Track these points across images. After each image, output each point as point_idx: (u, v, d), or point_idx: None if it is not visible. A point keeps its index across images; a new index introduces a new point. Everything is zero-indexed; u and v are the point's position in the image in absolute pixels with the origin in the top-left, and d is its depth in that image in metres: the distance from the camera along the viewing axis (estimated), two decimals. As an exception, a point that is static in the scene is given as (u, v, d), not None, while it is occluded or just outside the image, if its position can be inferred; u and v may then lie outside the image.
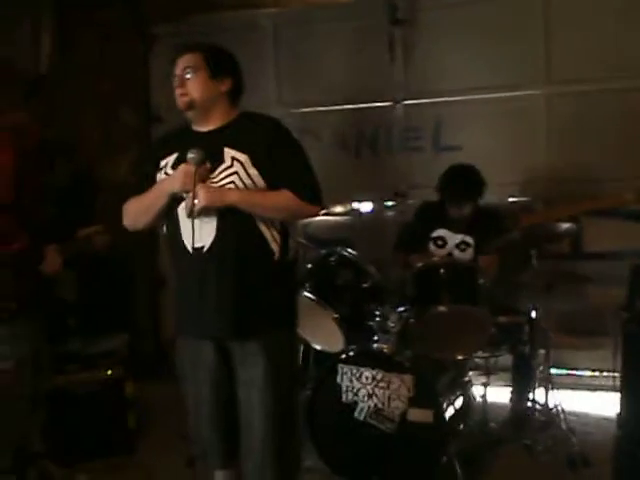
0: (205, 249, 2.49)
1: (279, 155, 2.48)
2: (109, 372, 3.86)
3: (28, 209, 3.12)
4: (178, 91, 2.52)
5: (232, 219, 2.47)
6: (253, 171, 2.45)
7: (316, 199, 2.53)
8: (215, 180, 2.46)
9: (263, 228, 2.50)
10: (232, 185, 2.45)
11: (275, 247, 2.53)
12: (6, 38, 4.49)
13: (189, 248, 2.49)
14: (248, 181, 2.45)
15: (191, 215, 2.41)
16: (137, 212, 2.64)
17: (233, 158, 2.46)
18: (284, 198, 2.48)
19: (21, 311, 3.04)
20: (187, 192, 2.42)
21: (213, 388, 2.63)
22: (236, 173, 2.45)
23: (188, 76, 2.50)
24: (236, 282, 2.49)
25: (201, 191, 2.40)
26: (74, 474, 3.52)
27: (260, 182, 2.46)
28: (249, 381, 2.54)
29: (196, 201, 2.39)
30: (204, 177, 2.44)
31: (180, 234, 2.53)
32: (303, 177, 2.52)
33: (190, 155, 2.42)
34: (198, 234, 2.44)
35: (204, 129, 2.57)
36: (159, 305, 5.41)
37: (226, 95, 2.56)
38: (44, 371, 3.34)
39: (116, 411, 3.85)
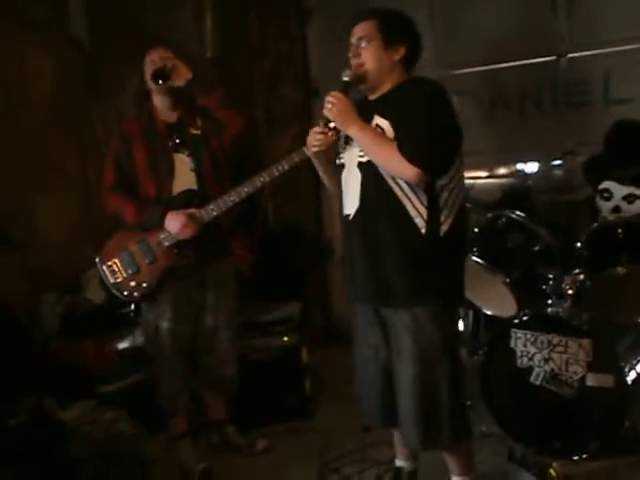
0: (350, 218, 2.58)
1: (409, 116, 2.43)
2: (285, 339, 3.96)
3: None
4: (353, 61, 2.56)
5: (374, 192, 2.51)
6: (389, 136, 2.46)
7: (417, 159, 2.35)
8: None
9: (406, 202, 2.46)
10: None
11: (420, 222, 2.47)
12: (170, 22, 4.68)
13: (345, 214, 2.62)
14: None
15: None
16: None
17: (377, 125, 2.50)
18: (390, 147, 2.41)
19: None
20: None
21: (369, 350, 2.70)
22: None
23: (362, 45, 2.54)
24: (377, 253, 2.53)
25: (329, 100, 2.48)
26: (254, 438, 3.66)
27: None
28: (397, 350, 2.58)
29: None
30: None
31: (342, 200, 2.64)
32: (416, 136, 2.38)
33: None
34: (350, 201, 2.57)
35: (374, 96, 2.61)
36: (327, 273, 5.54)
37: (399, 63, 2.57)
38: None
39: (293, 377, 3.97)
